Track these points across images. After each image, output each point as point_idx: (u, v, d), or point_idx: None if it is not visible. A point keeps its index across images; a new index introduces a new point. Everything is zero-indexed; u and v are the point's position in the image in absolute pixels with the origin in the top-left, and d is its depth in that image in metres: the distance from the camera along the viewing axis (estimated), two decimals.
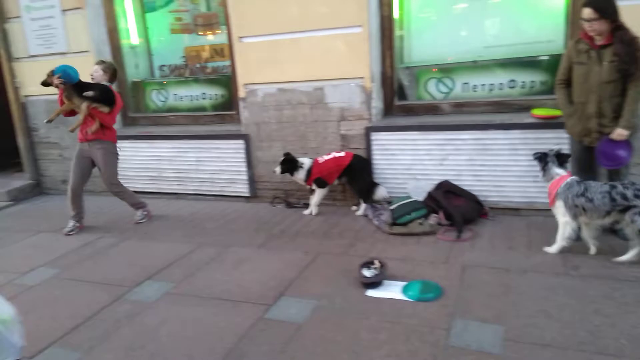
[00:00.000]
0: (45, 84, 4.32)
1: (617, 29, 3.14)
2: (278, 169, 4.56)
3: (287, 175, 4.63)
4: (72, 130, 4.46)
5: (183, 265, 3.67)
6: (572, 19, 3.97)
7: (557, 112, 4.01)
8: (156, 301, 3.13)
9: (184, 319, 2.89)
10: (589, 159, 3.48)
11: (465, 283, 3.03)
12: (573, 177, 3.29)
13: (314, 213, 4.62)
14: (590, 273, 3.03)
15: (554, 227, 3.40)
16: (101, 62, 4.54)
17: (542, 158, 3.42)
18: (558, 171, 3.33)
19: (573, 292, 2.82)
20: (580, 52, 3.32)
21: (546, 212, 4.04)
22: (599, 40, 3.21)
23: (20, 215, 5.56)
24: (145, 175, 5.73)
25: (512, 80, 4.37)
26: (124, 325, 2.86)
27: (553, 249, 3.35)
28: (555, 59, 4.16)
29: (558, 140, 3.92)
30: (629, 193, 2.99)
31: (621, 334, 2.39)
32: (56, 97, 4.44)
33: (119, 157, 4.73)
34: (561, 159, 3.38)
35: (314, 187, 4.58)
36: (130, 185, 5.77)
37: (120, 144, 5.64)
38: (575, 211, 3.18)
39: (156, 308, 3.05)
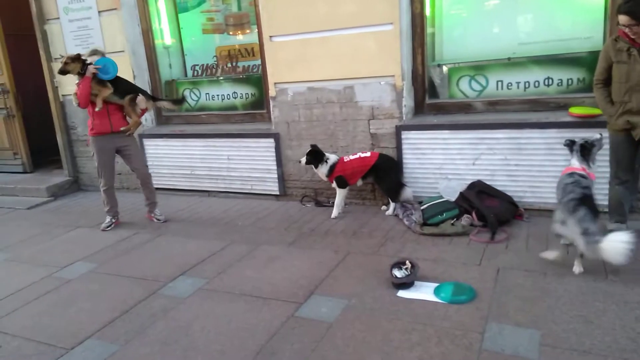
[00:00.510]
0: (64, 72, 4.30)
1: None
2: (304, 159, 4.56)
3: (315, 173, 4.64)
4: (129, 132, 4.62)
5: (215, 262, 3.73)
6: (612, 14, 3.83)
7: (596, 111, 3.88)
8: (189, 297, 3.20)
9: (216, 315, 2.94)
10: (632, 158, 3.36)
11: (499, 286, 2.97)
12: (577, 171, 3.15)
13: (335, 215, 4.57)
14: (631, 278, 2.92)
15: None
16: (97, 52, 4.54)
17: (570, 145, 3.30)
18: (572, 162, 3.22)
19: (613, 297, 2.73)
20: (620, 51, 3.21)
21: None
22: None
23: (59, 211, 5.76)
24: (178, 173, 5.85)
25: (549, 78, 4.24)
26: (158, 320, 2.93)
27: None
28: (593, 56, 4.01)
29: None
30: None
31: None
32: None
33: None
34: (584, 151, 3.21)
35: (334, 185, 4.56)
36: (163, 182, 5.95)
37: (155, 142, 5.81)
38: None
39: (189, 304, 3.11)
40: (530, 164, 4.11)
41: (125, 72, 5.16)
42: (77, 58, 4.31)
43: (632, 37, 3.10)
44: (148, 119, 6.03)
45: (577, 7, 4.16)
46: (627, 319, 2.51)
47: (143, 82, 5.89)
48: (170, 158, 5.84)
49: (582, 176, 3.10)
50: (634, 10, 3.01)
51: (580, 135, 3.81)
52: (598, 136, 3.29)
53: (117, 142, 4.61)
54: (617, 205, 3.52)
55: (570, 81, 4.19)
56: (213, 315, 2.94)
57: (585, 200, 2.93)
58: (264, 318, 2.85)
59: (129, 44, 5.71)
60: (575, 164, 3.21)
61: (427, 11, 4.53)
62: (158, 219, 4.88)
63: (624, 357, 2.22)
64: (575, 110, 3.95)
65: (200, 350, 2.60)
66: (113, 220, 4.79)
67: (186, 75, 6.11)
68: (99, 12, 5.76)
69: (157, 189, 5.97)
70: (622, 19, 3.06)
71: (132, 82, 5.09)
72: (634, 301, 2.67)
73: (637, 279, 2.90)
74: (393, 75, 4.52)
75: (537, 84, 4.30)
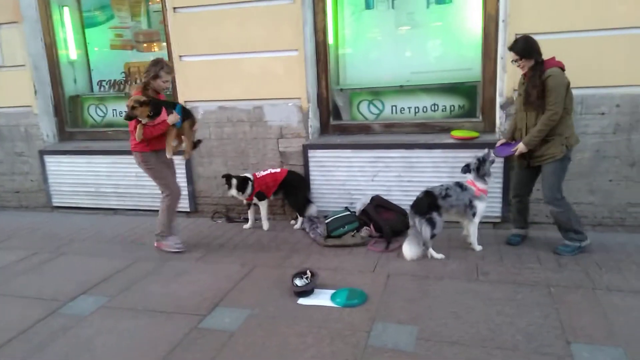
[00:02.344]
0: (130, 117, 3.84)
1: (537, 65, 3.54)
2: (234, 191, 4.60)
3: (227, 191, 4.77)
4: (188, 157, 4.43)
5: (119, 280, 3.71)
6: (485, 50, 4.44)
7: (473, 134, 4.45)
8: (91, 314, 3.17)
9: (118, 331, 2.95)
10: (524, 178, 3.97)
11: (388, 289, 3.31)
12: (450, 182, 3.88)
13: (266, 228, 4.75)
14: (498, 279, 3.40)
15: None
16: (159, 64, 3.97)
17: (466, 167, 3.91)
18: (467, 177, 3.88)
19: (481, 295, 3.16)
20: (521, 84, 3.74)
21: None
22: None
23: None
24: (82, 191, 5.67)
25: (435, 104, 4.78)
26: (58, 338, 2.89)
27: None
28: (472, 86, 4.62)
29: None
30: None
31: (517, 331, 2.72)
32: None
33: None
34: (479, 166, 3.82)
35: (255, 201, 4.73)
36: (65, 200, 5.73)
37: (57, 159, 5.59)
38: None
39: (91, 321, 3.09)
40: (420, 180, 4.56)
41: (26, 87, 4.96)
42: (146, 102, 3.81)
43: (522, 70, 3.63)
44: (50, 135, 5.81)
45: (459, 42, 4.73)
46: (490, 313, 2.93)
47: (45, 97, 5.69)
48: (74, 175, 5.65)
49: (459, 185, 3.80)
50: (514, 48, 3.55)
51: (461, 155, 4.37)
52: (486, 150, 3.84)
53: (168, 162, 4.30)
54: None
55: (452, 107, 4.75)
56: (115, 331, 2.96)
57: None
58: (166, 331, 2.92)
59: (31, 57, 5.50)
60: (468, 177, 3.83)
61: (330, 40, 4.90)
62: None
63: (483, 346, 2.60)
64: (456, 133, 4.48)
65: None
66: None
67: (92, 91, 5.98)
68: None
69: (58, 207, 5.78)
70: (510, 55, 3.62)
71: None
72: (497, 298, 3.11)
73: (502, 280, 3.38)
74: (299, 98, 4.81)
75: (425, 109, 4.82)
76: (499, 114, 4.36)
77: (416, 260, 3.77)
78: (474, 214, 3.81)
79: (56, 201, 5.82)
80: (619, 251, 3.76)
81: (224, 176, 4.67)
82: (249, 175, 4.69)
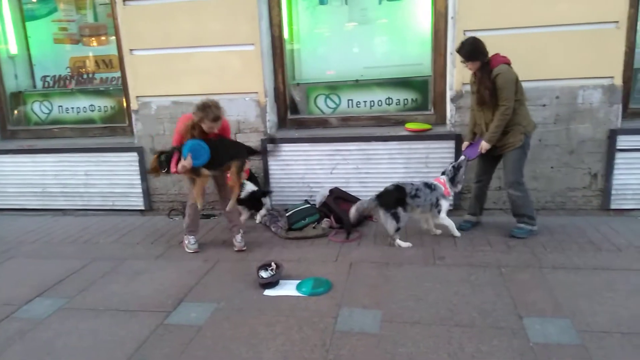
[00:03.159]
0: (159, 168, 3.72)
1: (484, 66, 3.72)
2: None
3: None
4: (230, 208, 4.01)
5: (76, 281, 3.59)
6: (435, 46, 4.63)
7: (426, 126, 4.63)
8: (48, 317, 3.06)
9: (80, 332, 2.87)
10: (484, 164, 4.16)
11: (351, 277, 3.40)
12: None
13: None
14: (453, 262, 3.58)
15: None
16: (206, 107, 3.68)
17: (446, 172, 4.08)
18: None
19: (438, 278, 3.32)
20: (473, 83, 3.90)
21: None
22: None
23: None
24: (27, 192, 5.41)
25: (389, 98, 4.93)
26: (15, 343, 2.77)
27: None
28: (424, 80, 4.81)
29: (428, 150, 4.56)
30: None
31: (473, 309, 2.89)
32: None
33: None
34: (453, 172, 4.01)
35: None
36: (10, 202, 5.45)
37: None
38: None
39: (49, 324, 2.98)
40: (377, 172, 4.72)
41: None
42: (157, 155, 3.77)
43: (471, 71, 3.80)
44: None
45: (411, 38, 4.90)
46: (447, 294, 3.09)
47: None
48: (18, 175, 5.38)
49: (428, 185, 3.95)
50: (460, 51, 3.73)
51: (415, 147, 4.54)
52: (462, 157, 4.01)
53: None
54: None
55: (406, 101, 4.92)
56: (76, 332, 2.87)
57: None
58: (131, 329, 2.87)
59: None
60: (441, 177, 4.00)
61: (286, 35, 4.93)
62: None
63: (443, 324, 2.75)
64: (410, 126, 4.65)
65: None
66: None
67: (35, 87, 5.69)
68: None
69: (2, 209, 5.48)
70: (458, 57, 3.78)
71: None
72: (453, 280, 3.28)
73: (457, 263, 3.56)
74: (257, 92, 4.82)
75: (380, 103, 4.96)
76: (449, 106, 4.57)
77: (375, 248, 3.90)
78: (439, 211, 3.97)
79: (0, 203, 5.52)
80: (561, 232, 4.05)
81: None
82: None
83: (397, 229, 3.88)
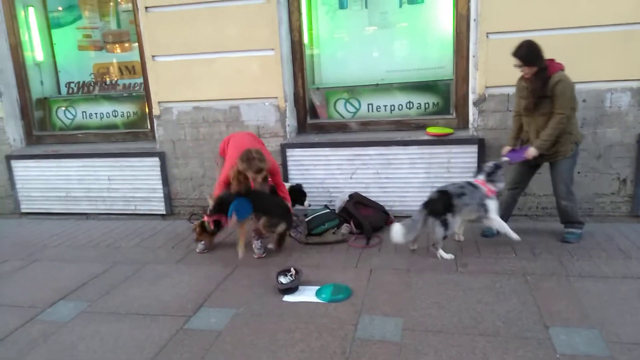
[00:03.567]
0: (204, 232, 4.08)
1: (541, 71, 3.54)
2: None
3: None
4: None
5: (98, 284, 3.63)
6: (457, 49, 4.56)
7: (447, 130, 4.56)
8: (71, 320, 3.09)
9: (102, 335, 2.89)
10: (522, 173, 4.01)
11: (371, 284, 3.36)
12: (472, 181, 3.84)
13: None
14: (477, 269, 3.50)
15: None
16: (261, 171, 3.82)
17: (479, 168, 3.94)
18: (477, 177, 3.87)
19: (461, 285, 3.24)
20: (522, 88, 3.75)
21: None
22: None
23: None
24: (52, 196, 5.52)
25: (410, 102, 4.88)
26: (39, 345, 2.81)
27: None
28: (445, 83, 4.74)
29: (449, 155, 4.49)
30: None
31: (498, 317, 2.82)
32: None
33: None
34: (492, 171, 3.82)
35: None
36: (35, 206, 5.57)
37: (25, 163, 5.44)
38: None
39: (72, 327, 3.01)
40: (397, 177, 4.66)
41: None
42: (203, 226, 4.10)
43: (525, 76, 3.65)
44: (17, 139, 5.62)
45: (432, 41, 4.84)
46: (471, 302, 3.02)
47: (11, 100, 5.53)
48: (43, 180, 5.49)
49: (470, 184, 3.77)
50: (518, 54, 3.53)
51: (436, 151, 4.48)
52: (505, 159, 3.86)
53: None
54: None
55: (427, 105, 4.86)
56: (98, 335, 2.89)
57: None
58: (152, 333, 2.88)
59: None
60: (479, 177, 3.82)
61: (306, 39, 4.93)
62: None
63: (466, 333, 2.68)
64: (431, 130, 4.59)
65: None
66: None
67: (60, 93, 5.82)
68: None
69: (27, 213, 5.60)
70: (514, 61, 3.58)
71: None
72: (476, 287, 3.20)
73: (480, 270, 3.48)
74: (276, 97, 4.82)
75: (400, 107, 4.91)
76: (472, 110, 4.49)
77: (395, 254, 3.85)
78: (486, 211, 3.76)
79: (25, 207, 5.63)
80: (588, 240, 3.92)
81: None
82: None
83: (444, 237, 3.71)
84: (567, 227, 3.94)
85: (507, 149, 3.96)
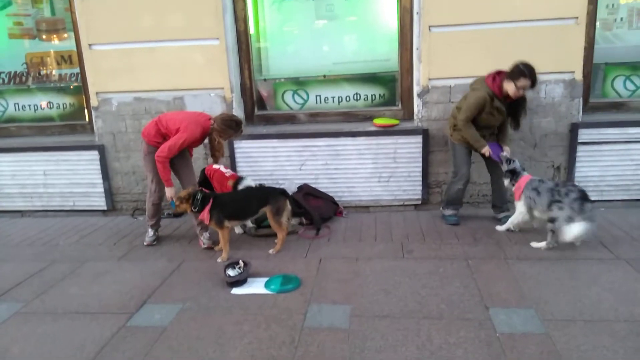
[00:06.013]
0: (190, 206, 3.68)
1: None
2: None
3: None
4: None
5: (34, 284, 3.44)
6: (401, 42, 4.64)
7: (394, 121, 4.64)
8: (4, 322, 2.91)
9: (38, 336, 2.74)
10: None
11: (321, 273, 3.37)
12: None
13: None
14: (421, 255, 3.60)
15: (395, 220, 3.93)
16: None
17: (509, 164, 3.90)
18: (524, 173, 3.82)
19: (407, 271, 3.33)
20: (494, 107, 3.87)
21: (389, 207, 4.66)
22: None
23: None
24: None
25: (357, 94, 4.92)
26: None
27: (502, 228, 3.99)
28: (391, 76, 4.82)
29: (396, 145, 4.57)
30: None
31: (442, 301, 2.91)
32: None
33: None
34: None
35: None
36: None
37: None
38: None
39: (5, 329, 2.83)
40: (345, 167, 4.70)
41: None
42: (187, 198, 3.67)
43: (515, 96, 3.76)
44: None
45: (377, 34, 4.89)
46: (416, 287, 3.10)
47: None
48: None
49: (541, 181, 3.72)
50: (534, 82, 3.68)
51: (383, 142, 4.55)
52: (504, 153, 3.98)
53: None
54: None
55: (374, 96, 4.92)
56: (34, 336, 2.74)
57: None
58: (92, 332, 2.76)
59: None
60: (524, 173, 3.82)
61: (252, 29, 4.85)
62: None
63: (412, 316, 2.75)
64: (378, 121, 4.65)
65: None
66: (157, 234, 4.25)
67: None
68: None
69: None
70: (524, 83, 3.67)
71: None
72: (421, 273, 3.29)
73: (424, 256, 3.58)
74: (222, 88, 4.72)
75: (348, 98, 4.94)
76: (416, 102, 4.59)
77: (344, 244, 3.89)
78: None
79: None
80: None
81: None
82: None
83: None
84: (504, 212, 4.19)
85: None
